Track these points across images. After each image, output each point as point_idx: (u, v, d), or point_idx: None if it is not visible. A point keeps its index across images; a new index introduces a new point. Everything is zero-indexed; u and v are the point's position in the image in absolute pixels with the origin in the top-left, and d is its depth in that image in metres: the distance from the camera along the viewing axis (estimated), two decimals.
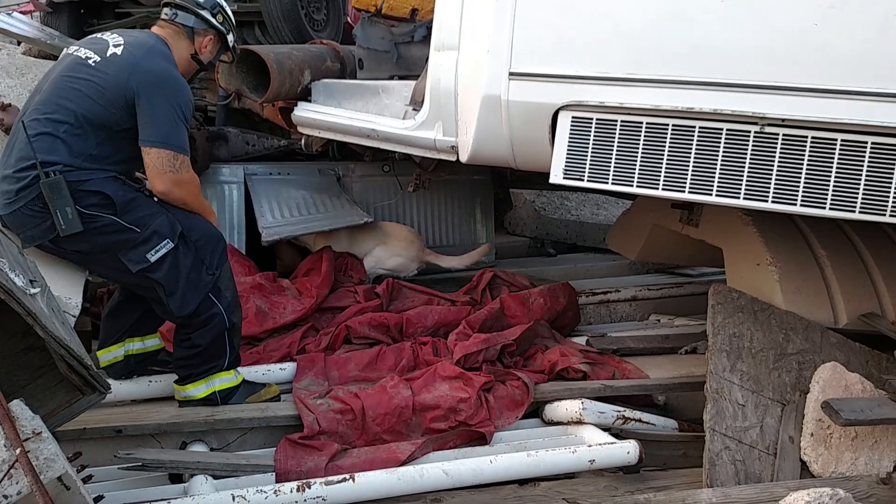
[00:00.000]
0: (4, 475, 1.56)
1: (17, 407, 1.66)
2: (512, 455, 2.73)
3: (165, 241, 2.77)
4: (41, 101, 2.75)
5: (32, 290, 2.00)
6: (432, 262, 4.48)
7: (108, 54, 2.78)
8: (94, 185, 2.69)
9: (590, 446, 2.79)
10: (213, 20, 3.02)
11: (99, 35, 2.92)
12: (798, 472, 2.71)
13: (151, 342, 3.19)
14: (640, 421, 3.07)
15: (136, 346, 3.14)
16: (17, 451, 1.57)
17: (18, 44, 5.04)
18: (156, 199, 2.79)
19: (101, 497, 2.20)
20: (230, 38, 3.12)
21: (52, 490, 1.62)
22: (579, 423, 3.01)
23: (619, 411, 3.05)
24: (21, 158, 2.67)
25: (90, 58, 2.78)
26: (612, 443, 2.82)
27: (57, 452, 1.67)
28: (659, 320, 4.33)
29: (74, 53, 2.83)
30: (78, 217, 2.64)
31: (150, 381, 3.14)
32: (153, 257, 2.75)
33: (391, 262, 4.34)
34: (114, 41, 2.82)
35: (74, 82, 2.74)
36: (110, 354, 3.09)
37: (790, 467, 2.71)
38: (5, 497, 1.56)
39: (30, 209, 2.65)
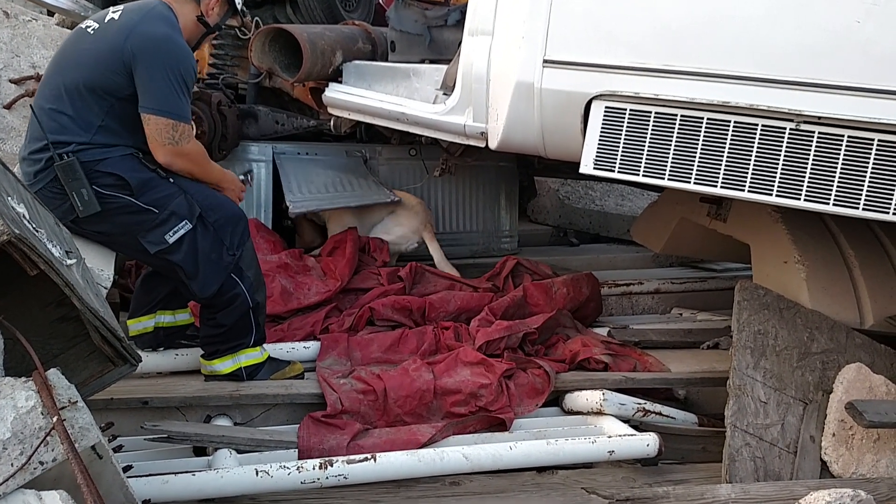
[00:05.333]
0: (41, 442, 1.59)
1: (54, 376, 1.69)
2: (532, 442, 2.75)
3: (183, 223, 2.75)
4: (48, 75, 2.77)
5: (69, 261, 2.03)
6: (427, 241, 4.34)
7: (106, 20, 2.77)
8: (108, 165, 2.67)
9: (609, 437, 2.80)
10: None
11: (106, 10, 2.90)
12: (818, 471, 2.71)
13: (182, 316, 3.21)
14: (660, 414, 3.07)
15: (166, 318, 3.17)
16: (54, 419, 1.60)
17: (51, 14, 5.06)
18: (171, 179, 2.77)
19: (129, 467, 2.24)
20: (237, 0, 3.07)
21: (85, 458, 1.65)
22: (599, 413, 3.01)
23: (639, 404, 3.04)
24: (34, 139, 2.70)
25: (90, 27, 2.78)
26: (631, 435, 2.82)
27: (91, 422, 1.70)
28: (681, 314, 4.31)
29: (78, 27, 2.84)
30: (95, 198, 2.64)
31: (177, 355, 3.18)
32: (171, 238, 2.75)
33: (395, 232, 4.28)
34: (114, 9, 2.80)
35: (74, 54, 2.75)
36: (140, 324, 3.13)
37: (810, 467, 2.71)
38: (41, 463, 1.59)
39: (49, 191, 2.65)
